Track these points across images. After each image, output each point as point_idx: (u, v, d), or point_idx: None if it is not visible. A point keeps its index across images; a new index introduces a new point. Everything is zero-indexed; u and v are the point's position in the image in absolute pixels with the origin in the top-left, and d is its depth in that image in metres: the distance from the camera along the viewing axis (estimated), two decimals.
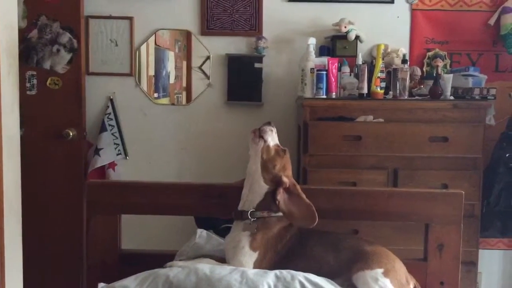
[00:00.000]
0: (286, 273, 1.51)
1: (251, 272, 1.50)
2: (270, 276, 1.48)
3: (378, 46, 2.81)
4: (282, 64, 3.20)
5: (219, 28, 3.19)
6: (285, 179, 1.70)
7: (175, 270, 1.51)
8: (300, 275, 1.50)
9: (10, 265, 2.16)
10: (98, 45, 3.18)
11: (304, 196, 1.68)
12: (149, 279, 1.49)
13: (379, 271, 1.58)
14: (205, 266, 1.54)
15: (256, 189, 1.72)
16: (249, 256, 1.63)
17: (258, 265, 1.63)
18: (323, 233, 1.71)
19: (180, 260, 1.82)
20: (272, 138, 1.76)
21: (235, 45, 3.19)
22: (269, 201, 1.69)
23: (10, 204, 2.17)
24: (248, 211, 1.69)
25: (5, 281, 2.12)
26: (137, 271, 1.61)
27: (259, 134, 1.75)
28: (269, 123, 1.79)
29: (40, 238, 3.01)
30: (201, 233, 2.03)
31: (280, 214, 1.68)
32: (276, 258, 1.65)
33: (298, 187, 1.71)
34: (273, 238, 1.67)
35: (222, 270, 1.49)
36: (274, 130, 1.78)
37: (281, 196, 1.67)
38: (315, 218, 1.63)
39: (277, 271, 1.52)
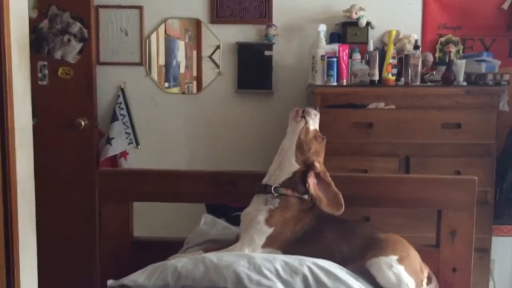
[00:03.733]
0: (294, 258, 1.50)
1: (259, 257, 1.49)
2: (278, 261, 1.48)
3: (389, 32, 2.78)
4: (292, 52, 3.18)
5: (229, 16, 3.17)
6: (317, 164, 1.70)
7: (183, 261, 1.51)
8: (309, 261, 1.49)
9: (24, 253, 2.19)
10: (108, 35, 3.19)
11: (333, 184, 1.70)
12: (157, 271, 1.48)
13: (394, 258, 1.58)
14: (212, 254, 1.54)
15: (285, 166, 1.71)
16: (262, 232, 1.62)
17: (272, 240, 1.62)
18: (340, 221, 1.70)
19: (187, 248, 1.83)
20: (314, 122, 1.76)
21: (245, 33, 3.18)
22: (295, 181, 1.69)
23: (24, 193, 2.19)
24: (272, 186, 1.69)
25: (20, 269, 2.15)
26: (149, 257, 1.62)
27: (302, 114, 1.75)
28: (314, 108, 1.79)
29: (53, 226, 3.03)
30: (206, 218, 2.03)
31: (303, 196, 1.69)
32: (292, 238, 1.64)
33: (328, 174, 1.72)
34: (292, 217, 1.66)
35: (229, 257, 1.49)
36: (318, 116, 1.78)
37: (311, 179, 1.67)
38: (341, 207, 1.65)
39: (284, 257, 1.52)
